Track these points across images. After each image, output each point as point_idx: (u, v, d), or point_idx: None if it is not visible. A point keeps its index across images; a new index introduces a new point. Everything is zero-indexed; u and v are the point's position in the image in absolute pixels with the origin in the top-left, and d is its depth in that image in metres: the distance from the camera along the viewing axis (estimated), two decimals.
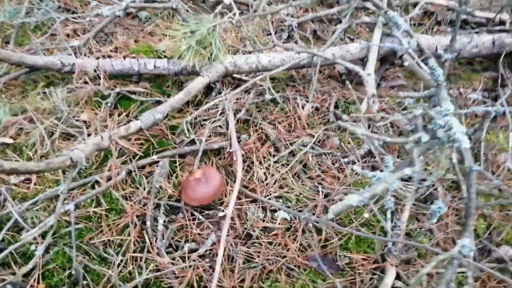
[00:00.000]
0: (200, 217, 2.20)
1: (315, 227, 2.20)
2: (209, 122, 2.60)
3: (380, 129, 2.70)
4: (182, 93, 2.40)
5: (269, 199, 2.30)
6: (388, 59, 3.14)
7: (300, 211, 2.26)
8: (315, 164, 2.50)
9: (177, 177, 2.32)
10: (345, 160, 2.53)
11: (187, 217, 2.19)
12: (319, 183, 2.41)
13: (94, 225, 2.05)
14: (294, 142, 2.60)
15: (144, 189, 2.21)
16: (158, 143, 2.43)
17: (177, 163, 2.36)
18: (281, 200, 2.31)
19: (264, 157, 2.51)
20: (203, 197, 2.16)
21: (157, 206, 2.19)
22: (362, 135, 1.54)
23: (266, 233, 2.19)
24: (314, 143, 2.57)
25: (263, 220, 2.24)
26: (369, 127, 2.75)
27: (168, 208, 2.20)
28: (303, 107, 2.79)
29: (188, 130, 2.41)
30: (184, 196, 2.19)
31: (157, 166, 2.27)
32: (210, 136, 2.54)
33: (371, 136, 1.54)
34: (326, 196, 2.34)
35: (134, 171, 2.26)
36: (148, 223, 2.07)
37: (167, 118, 2.50)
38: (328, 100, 2.88)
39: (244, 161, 2.44)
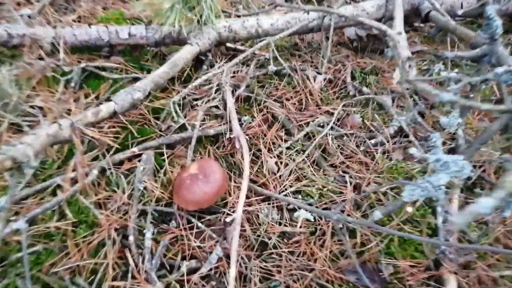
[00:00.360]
0: (200, 224, 1.69)
1: (347, 228, 1.72)
2: (202, 103, 2.07)
3: (407, 103, 2.23)
4: (166, 66, 1.86)
5: (285, 195, 1.81)
6: (407, 20, 2.66)
7: (326, 208, 1.78)
8: (336, 148, 2.02)
9: (166, 173, 1.80)
10: (372, 141, 2.05)
11: (183, 225, 1.68)
12: (345, 172, 1.93)
13: (57, 245, 1.51)
14: (308, 122, 2.11)
15: (124, 193, 1.68)
16: (139, 131, 1.90)
17: (165, 156, 1.84)
18: (300, 196, 1.83)
19: (274, 143, 2.01)
20: (202, 198, 1.65)
21: (142, 214, 1.67)
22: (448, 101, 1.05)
23: (286, 240, 1.71)
24: (333, 122, 2.08)
25: (280, 224, 1.75)
26: (392, 101, 2.28)
27: (156, 215, 1.69)
28: (314, 80, 2.29)
29: (176, 113, 1.88)
30: (177, 198, 1.68)
31: (139, 161, 1.74)
32: (204, 120, 2.02)
33: (462, 103, 1.06)
34: (355, 188, 1.86)
35: (109, 169, 1.73)
36: (131, 237, 1.55)
37: (149, 99, 1.96)
38: (342, 70, 2.39)
39: (249, 149, 1.94)
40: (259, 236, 1.70)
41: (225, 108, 2.04)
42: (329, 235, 1.70)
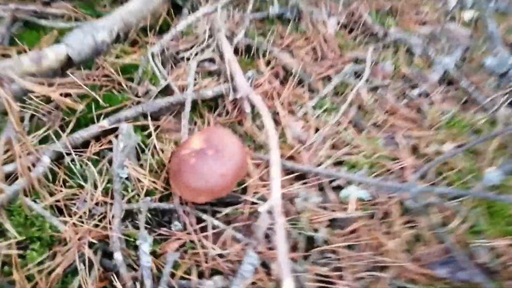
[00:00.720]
0: (216, 222, 1.15)
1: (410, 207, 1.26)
2: (191, 55, 1.50)
3: (442, 44, 1.81)
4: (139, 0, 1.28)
5: (324, 168, 1.31)
6: None
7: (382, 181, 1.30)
8: (372, 103, 1.54)
9: (155, 155, 1.23)
10: (415, 92, 1.60)
11: (191, 226, 1.13)
12: (392, 131, 1.46)
13: None
14: (329, 75, 1.61)
15: (96, 187, 1.10)
16: (106, 98, 1.31)
17: (152, 129, 1.26)
18: (343, 169, 1.33)
19: (294, 103, 1.50)
20: (218, 184, 1.11)
21: (128, 217, 1.10)
22: None
23: (339, 230, 1.21)
24: (367, 71, 1.60)
25: (325, 209, 1.25)
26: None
27: (149, 216, 1.12)
28: (326, 24, 1.79)
29: (157, 67, 1.31)
30: (178, 187, 1.13)
31: (116, 138, 1.16)
32: (195, 79, 1.45)
33: None
34: (414, 149, 1.40)
35: (68, 155, 1.14)
36: (117, 255, 0.98)
37: (116, 55, 1.37)
38: (356, 12, 1.91)
39: (257, 114, 1.42)
40: (301, 229, 1.19)
41: (222, 60, 1.49)
42: (397, 216, 1.23)
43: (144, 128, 1.29)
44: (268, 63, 1.59)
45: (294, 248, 1.17)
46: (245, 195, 1.24)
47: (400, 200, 1.25)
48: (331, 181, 1.30)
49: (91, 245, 1.00)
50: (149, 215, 1.13)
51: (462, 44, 1.80)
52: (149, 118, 1.27)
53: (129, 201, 1.12)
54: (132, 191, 1.14)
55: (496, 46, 1.77)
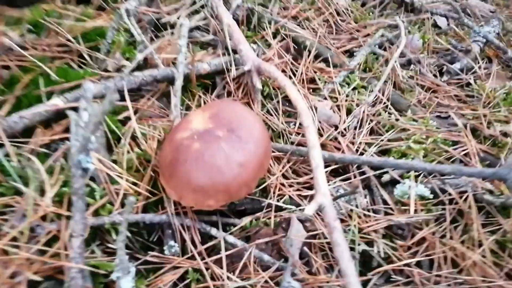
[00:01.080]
0: (231, 239, 0.77)
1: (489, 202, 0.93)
2: (177, 21, 1.14)
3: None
4: None
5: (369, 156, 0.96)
6: None
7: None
8: (407, 79, 1.23)
9: (136, 146, 0.85)
10: (457, 66, 1.30)
11: (195, 247, 0.75)
12: (441, 111, 1.14)
13: None
14: (352, 48, 1.30)
15: (43, 193, 0.70)
16: (60, 73, 0.92)
17: (131, 112, 0.88)
18: (391, 159, 0.99)
19: (314, 81, 1.16)
20: (236, 178, 0.74)
21: (96, 236, 0.70)
22: None
23: (400, 241, 0.86)
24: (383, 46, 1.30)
25: (376, 211, 0.90)
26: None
27: (132, 235, 0.73)
28: None
29: (134, 28, 0.95)
30: (173, 187, 0.74)
31: (75, 111, 0.76)
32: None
33: None
34: (474, 131, 1.08)
35: (0, 146, 0.74)
36: None
37: (75, 18, 1.00)
38: None
39: (269, 95, 1.08)
40: (352, 242, 0.83)
41: (218, 28, 1.14)
42: (475, 216, 0.89)
43: (117, 112, 0.91)
44: (275, 35, 1.26)
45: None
46: (266, 198, 0.87)
47: (475, 196, 0.92)
48: (378, 176, 0.96)
49: (33, 285, 0.60)
50: (129, 234, 0.74)
51: (491, 17, 1.55)
52: (127, 96, 0.89)
53: (96, 213, 0.72)
54: (101, 197, 0.74)
55: None
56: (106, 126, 0.84)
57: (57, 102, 0.82)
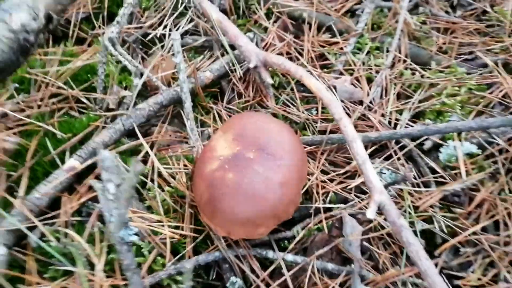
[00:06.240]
0: (290, 257, 0.74)
1: None
2: (165, 32, 1.06)
3: None
4: None
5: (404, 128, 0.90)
6: None
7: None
8: (421, 27, 1.13)
9: (165, 184, 0.80)
10: None
11: (257, 276, 0.72)
12: (465, 52, 1.06)
13: None
14: (351, 9, 1.19)
15: (93, 267, 0.67)
16: (63, 126, 0.87)
17: (148, 149, 0.83)
18: (428, 121, 0.93)
19: (324, 55, 1.08)
20: (280, 199, 0.69)
21: None
22: None
23: (460, 210, 0.82)
24: None
25: (427, 184, 0.85)
26: None
27: (195, 277, 0.71)
28: None
29: (123, 57, 0.88)
30: (218, 224, 0.70)
31: (98, 179, 0.72)
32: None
33: None
34: (506, 65, 1.01)
35: (33, 229, 0.70)
36: None
37: (59, 62, 0.93)
38: None
39: (280, 84, 1.01)
40: (412, 224, 0.79)
41: (209, 27, 1.06)
42: None
43: (134, 152, 0.86)
44: (269, 15, 1.16)
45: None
46: (311, 202, 0.83)
47: None
48: (419, 144, 0.90)
49: None
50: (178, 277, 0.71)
51: None
52: (139, 134, 0.84)
53: (150, 271, 0.70)
54: (150, 252, 0.71)
55: None
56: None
57: (73, 164, 0.77)
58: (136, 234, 0.70)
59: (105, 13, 1.12)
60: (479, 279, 0.73)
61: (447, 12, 1.20)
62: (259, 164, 0.71)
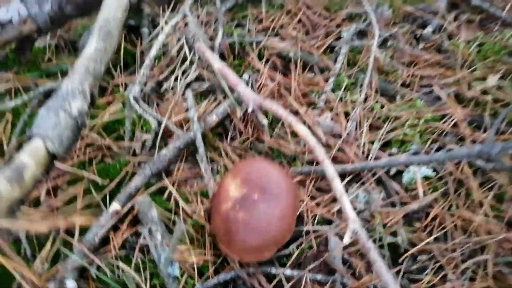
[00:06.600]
0: (288, 272, 0.97)
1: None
2: (177, 82, 1.26)
3: None
4: (95, 40, 1.02)
5: (374, 159, 1.13)
6: None
7: (439, 149, 1.14)
8: (390, 60, 1.34)
9: (188, 217, 1.02)
10: (429, 29, 1.41)
11: None
12: (424, 86, 1.28)
13: None
14: (331, 43, 1.39)
15: None
16: (102, 172, 1.08)
17: (173, 191, 1.05)
18: (394, 150, 1.16)
19: (310, 93, 1.28)
20: (280, 230, 0.93)
21: None
22: None
23: (418, 224, 1.05)
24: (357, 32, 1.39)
25: (393, 204, 1.08)
26: None
27: None
28: None
29: (146, 112, 1.08)
30: (234, 252, 0.94)
31: (134, 225, 0.94)
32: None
33: None
34: (458, 97, 1.23)
35: (91, 264, 0.92)
36: None
37: (89, 116, 1.12)
38: None
39: (274, 119, 1.21)
40: (380, 239, 1.02)
41: (212, 74, 1.25)
42: (472, 180, 1.07)
43: (160, 191, 1.08)
44: (260, 57, 1.35)
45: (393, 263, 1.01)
46: (303, 224, 1.06)
47: (469, 163, 1.10)
48: (388, 171, 1.13)
49: None
50: None
51: None
52: (165, 178, 1.05)
53: None
54: (181, 275, 0.94)
55: None
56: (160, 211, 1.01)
57: (116, 207, 0.98)
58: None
59: (122, 64, 1.31)
60: (430, 280, 0.97)
61: (411, 43, 1.41)
62: (262, 203, 0.93)
